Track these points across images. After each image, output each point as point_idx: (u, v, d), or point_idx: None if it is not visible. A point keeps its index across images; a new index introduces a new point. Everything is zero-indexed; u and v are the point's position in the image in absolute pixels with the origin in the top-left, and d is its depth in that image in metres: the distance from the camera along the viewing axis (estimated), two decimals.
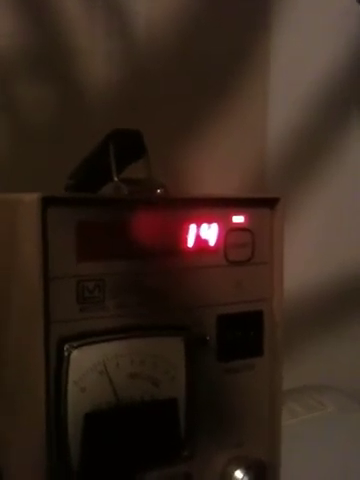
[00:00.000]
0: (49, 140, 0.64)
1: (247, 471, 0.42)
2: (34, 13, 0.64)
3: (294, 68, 0.76)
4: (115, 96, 0.68)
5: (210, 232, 0.42)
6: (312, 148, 0.77)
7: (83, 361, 0.36)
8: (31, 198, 0.35)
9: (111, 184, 0.41)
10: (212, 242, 0.42)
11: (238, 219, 0.43)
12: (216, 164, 0.74)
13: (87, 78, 0.67)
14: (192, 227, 0.41)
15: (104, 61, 0.68)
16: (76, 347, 0.36)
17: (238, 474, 0.42)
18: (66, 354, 0.36)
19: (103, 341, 0.37)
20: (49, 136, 0.65)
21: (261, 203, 0.44)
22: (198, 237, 0.41)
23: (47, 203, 0.35)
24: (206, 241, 0.41)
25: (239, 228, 0.43)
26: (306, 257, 0.74)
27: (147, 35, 0.70)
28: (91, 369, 0.36)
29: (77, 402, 0.36)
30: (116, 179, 0.41)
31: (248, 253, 0.43)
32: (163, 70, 0.71)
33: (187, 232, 0.40)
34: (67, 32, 0.66)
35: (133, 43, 0.70)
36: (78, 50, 0.67)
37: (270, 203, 0.44)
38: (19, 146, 0.64)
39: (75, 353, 0.36)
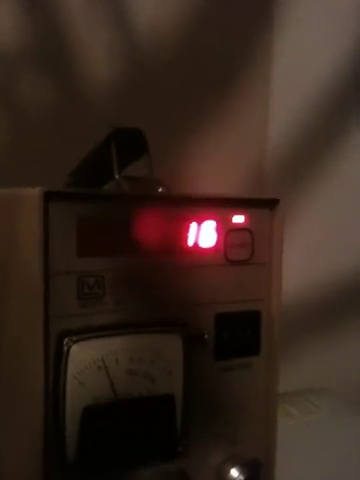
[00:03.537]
0: (49, 135, 0.65)
1: (242, 469, 0.42)
2: (35, 8, 0.64)
3: (296, 69, 0.77)
4: (116, 93, 0.68)
5: (210, 231, 0.42)
6: (312, 150, 0.78)
7: (82, 356, 0.36)
8: (33, 193, 0.35)
9: (112, 181, 0.42)
10: (212, 241, 0.42)
11: (238, 219, 0.43)
12: (216, 164, 0.74)
13: (88, 73, 0.67)
14: (192, 226, 0.41)
15: (105, 57, 0.68)
16: (75, 341, 0.36)
17: (233, 472, 0.42)
18: (65, 348, 0.36)
19: (102, 336, 0.37)
20: (49, 131, 0.65)
21: (261, 204, 0.44)
22: (198, 236, 0.41)
23: (49, 198, 0.35)
24: (206, 240, 0.42)
25: (239, 228, 0.43)
26: (305, 258, 0.74)
27: (149, 32, 0.70)
28: (90, 364, 0.36)
29: (75, 396, 0.36)
30: (117, 176, 0.41)
31: (247, 253, 0.43)
32: (165, 67, 0.71)
33: (187, 230, 0.41)
34: (68, 27, 0.66)
35: (135, 40, 0.70)
36: (79, 45, 0.67)
37: (270, 204, 0.44)
38: (18, 141, 0.64)
39: (74, 347, 0.36)
